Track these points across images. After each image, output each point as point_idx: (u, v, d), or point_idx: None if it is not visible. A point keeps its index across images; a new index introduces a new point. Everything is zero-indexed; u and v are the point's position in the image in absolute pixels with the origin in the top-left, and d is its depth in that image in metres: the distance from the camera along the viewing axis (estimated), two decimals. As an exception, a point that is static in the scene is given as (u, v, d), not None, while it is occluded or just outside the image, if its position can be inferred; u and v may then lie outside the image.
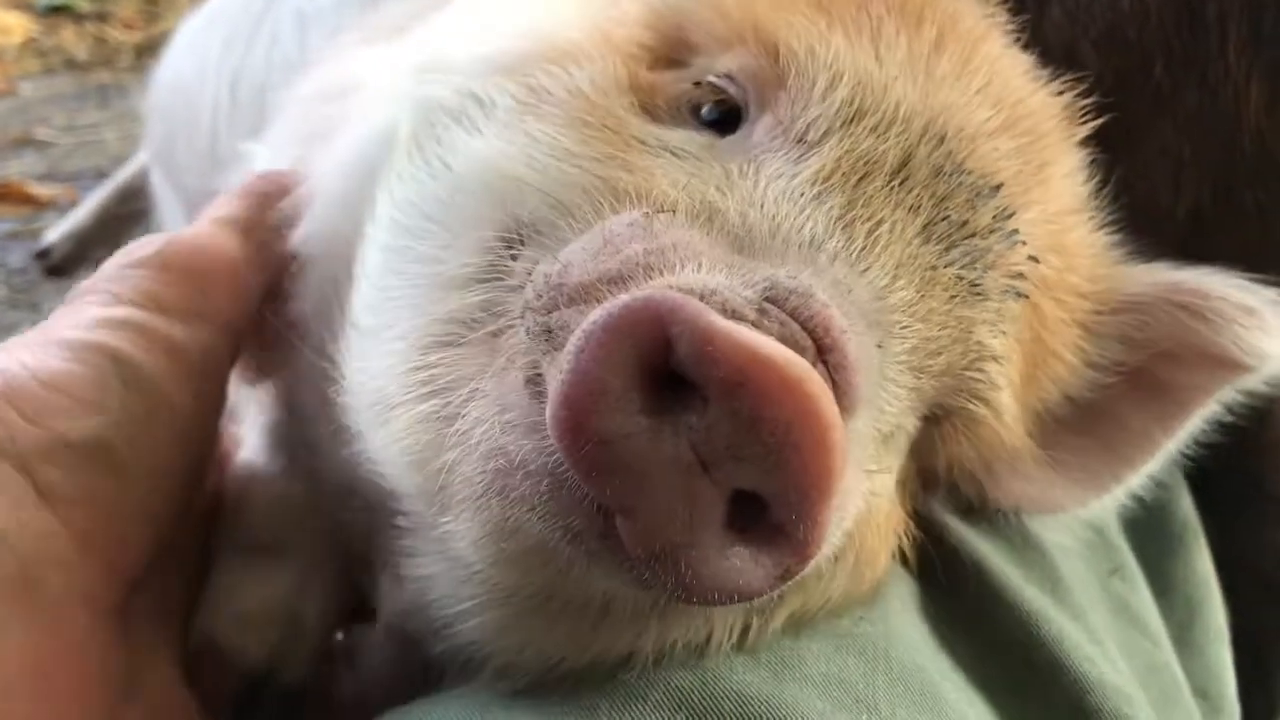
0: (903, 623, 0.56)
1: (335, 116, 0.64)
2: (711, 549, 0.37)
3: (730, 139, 0.51)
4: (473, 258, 0.47)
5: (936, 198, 0.49)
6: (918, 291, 0.47)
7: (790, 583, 0.39)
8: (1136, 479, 0.66)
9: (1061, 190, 0.59)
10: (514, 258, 0.46)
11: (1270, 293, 0.59)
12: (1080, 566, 0.73)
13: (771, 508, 0.37)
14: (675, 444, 0.36)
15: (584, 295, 0.41)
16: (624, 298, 0.37)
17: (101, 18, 3.77)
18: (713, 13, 0.55)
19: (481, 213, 0.48)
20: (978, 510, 0.65)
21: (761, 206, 0.46)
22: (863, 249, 0.46)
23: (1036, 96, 0.59)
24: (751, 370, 0.35)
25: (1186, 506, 0.88)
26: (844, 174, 0.48)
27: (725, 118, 0.52)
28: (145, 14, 3.81)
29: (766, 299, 0.39)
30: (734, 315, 0.37)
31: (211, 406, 0.54)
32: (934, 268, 0.48)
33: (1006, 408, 0.55)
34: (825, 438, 0.36)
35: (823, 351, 0.39)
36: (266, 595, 0.59)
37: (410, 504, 0.47)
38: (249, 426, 0.67)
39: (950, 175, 0.50)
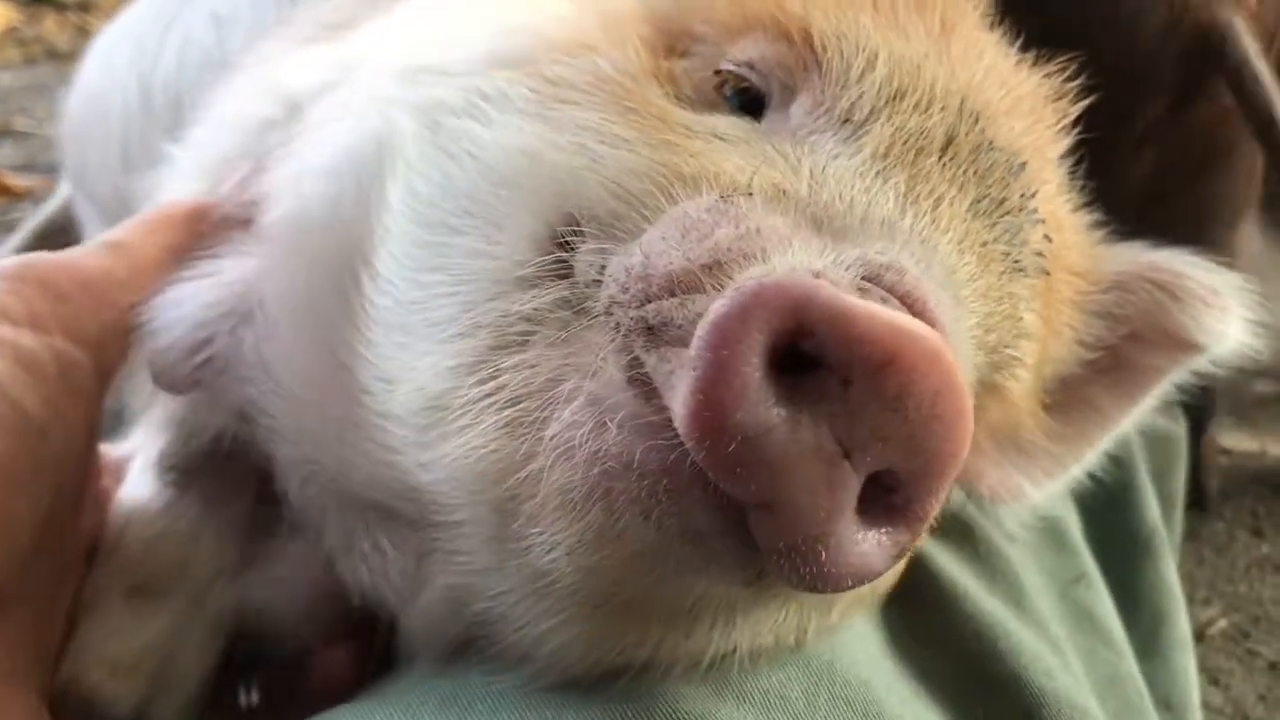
0: (852, 634, 0.55)
1: (278, 120, 0.62)
2: (847, 535, 0.36)
3: (766, 123, 0.51)
4: (529, 252, 0.45)
5: (978, 174, 0.49)
6: (978, 267, 0.47)
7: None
8: (1091, 459, 0.67)
9: (1057, 171, 0.60)
10: (571, 249, 0.44)
11: (1235, 277, 0.61)
12: (1041, 576, 0.73)
13: (902, 485, 0.36)
14: (816, 433, 0.35)
15: (682, 285, 0.39)
16: (750, 284, 0.35)
17: (84, 8, 3.73)
18: (723, 1, 0.54)
19: (528, 203, 0.46)
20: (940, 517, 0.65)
21: (831, 186, 0.45)
22: (931, 224, 0.45)
23: (1029, 79, 0.60)
24: (899, 347, 0.34)
25: (1155, 514, 0.89)
26: (900, 151, 0.48)
27: (744, 104, 0.52)
28: (128, 4, 3.78)
29: (863, 277, 0.38)
30: None
31: (71, 420, 0.50)
32: (985, 244, 0.48)
33: (1029, 384, 0.55)
34: (965, 406, 0.36)
35: None
36: (138, 642, 0.56)
37: (470, 517, 0.44)
38: (135, 461, 0.63)
39: (986, 152, 0.50)
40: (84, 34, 3.61)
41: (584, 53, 0.52)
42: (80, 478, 0.54)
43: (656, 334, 0.38)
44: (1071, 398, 0.65)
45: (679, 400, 0.35)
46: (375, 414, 0.47)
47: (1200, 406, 1.69)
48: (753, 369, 0.34)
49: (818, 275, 0.36)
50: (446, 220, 0.47)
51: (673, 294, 0.39)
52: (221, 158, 0.65)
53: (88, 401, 0.52)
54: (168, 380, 0.57)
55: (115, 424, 0.67)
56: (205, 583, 0.58)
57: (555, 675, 0.46)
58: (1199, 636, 1.71)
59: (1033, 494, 0.66)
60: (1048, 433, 0.63)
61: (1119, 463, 0.81)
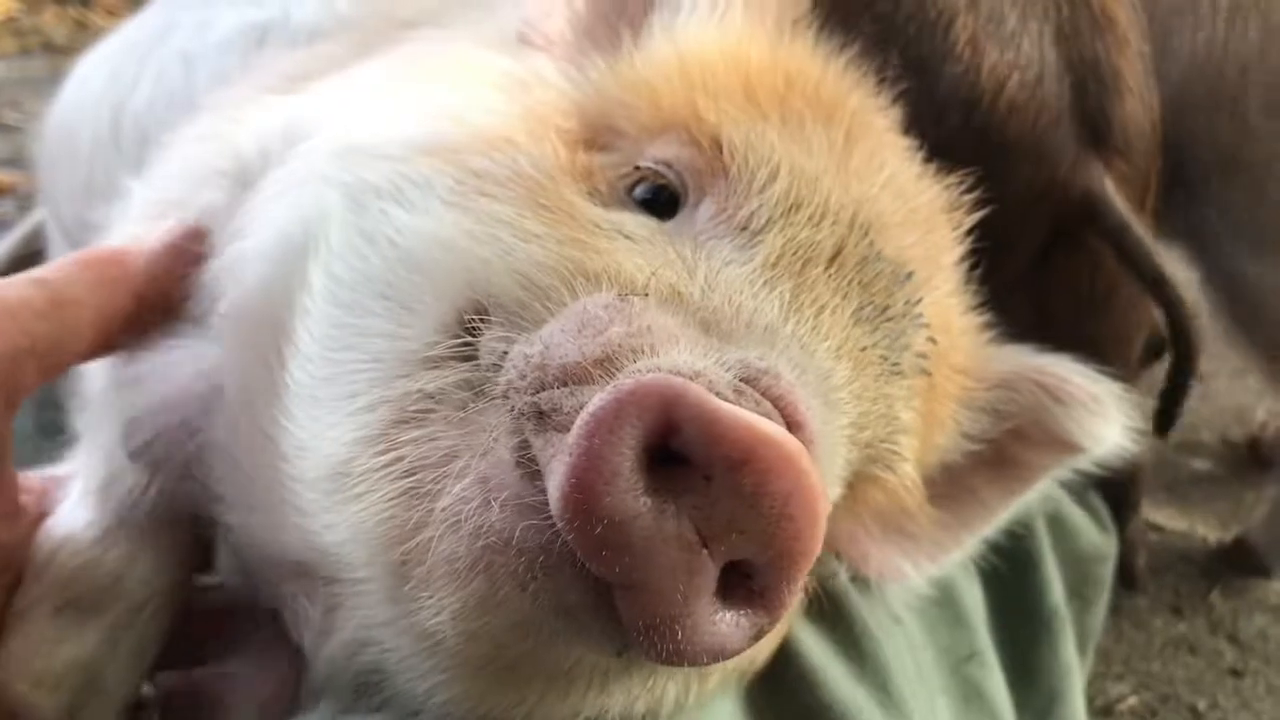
0: (711, 717, 0.57)
1: (227, 175, 0.65)
2: (703, 616, 0.39)
3: (673, 223, 0.54)
4: (437, 335, 0.48)
5: (863, 284, 0.54)
6: (854, 371, 0.51)
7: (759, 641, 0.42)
8: (972, 546, 0.71)
9: (949, 276, 0.65)
10: (476, 334, 0.47)
11: (1114, 385, 0.66)
12: (934, 652, 0.76)
13: (758, 574, 0.40)
14: (678, 522, 0.38)
15: (573, 376, 0.42)
16: (628, 382, 0.39)
17: (84, 2, 3.74)
18: (642, 102, 0.58)
19: (440, 289, 0.49)
20: (817, 598, 0.67)
21: (722, 291, 0.48)
22: (811, 331, 0.49)
23: (927, 190, 0.65)
24: (756, 448, 0.38)
25: (1057, 594, 0.91)
26: (789, 261, 0.52)
27: (658, 199, 0.55)
28: (129, 0, 3.81)
29: (740, 379, 0.42)
30: (717, 396, 0.39)
31: None
32: (864, 349, 0.52)
33: (910, 476, 0.59)
34: (816, 507, 0.39)
35: (791, 428, 0.41)
36: (67, 656, 0.58)
37: (368, 576, 0.47)
38: (73, 483, 0.65)
39: (872, 263, 0.54)
40: (82, 28, 3.61)
41: (507, 148, 0.55)
42: None
43: (545, 420, 0.41)
44: (955, 487, 0.69)
45: (554, 483, 0.39)
46: (291, 480, 0.50)
47: (1127, 486, 1.74)
48: (623, 459, 0.38)
49: (696, 375, 0.40)
50: (361, 303, 0.50)
51: (565, 384, 0.42)
52: (173, 202, 0.68)
53: None
54: (143, 461, 0.60)
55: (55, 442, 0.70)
56: (136, 606, 0.61)
57: None
58: (1108, 712, 1.75)
59: (914, 576, 0.70)
60: (931, 519, 0.67)
61: (1021, 542, 0.86)
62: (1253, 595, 1.99)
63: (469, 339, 0.47)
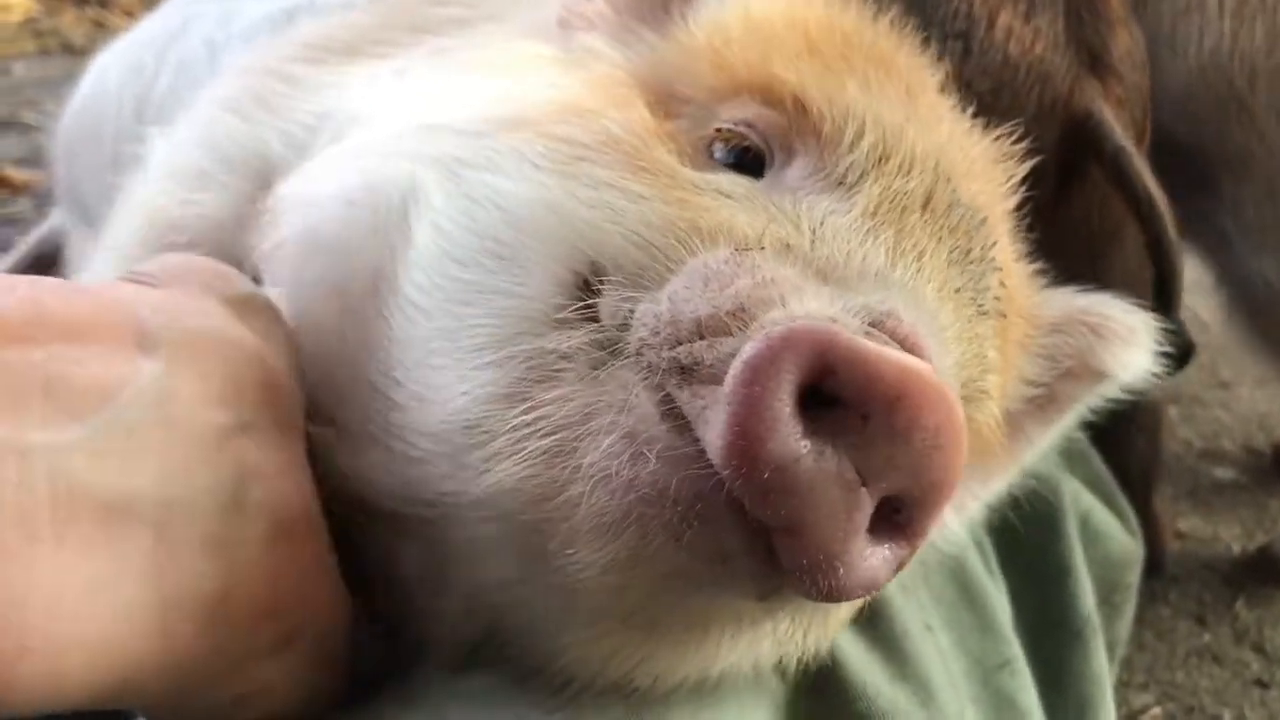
0: None
1: (270, 144, 0.66)
2: (860, 552, 0.40)
3: (764, 181, 0.55)
4: (556, 295, 0.48)
5: (950, 228, 0.55)
6: (954, 312, 0.52)
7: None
8: (1012, 476, 0.73)
9: (1006, 224, 0.66)
10: (595, 294, 0.47)
11: (1148, 316, 0.69)
12: (966, 661, 0.75)
13: (905, 507, 0.41)
14: (838, 462, 0.39)
15: (709, 329, 0.43)
16: (779, 329, 0.39)
17: (103, 4, 3.77)
18: (707, 66, 0.59)
19: (554, 252, 0.49)
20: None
21: (830, 241, 0.49)
22: (917, 275, 0.50)
23: (980, 141, 0.66)
24: (910, 385, 0.38)
25: (1089, 603, 0.91)
26: (887, 210, 0.52)
27: (742, 160, 0.56)
28: (147, 2, 3.83)
29: (868, 324, 0.42)
30: None
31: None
32: (958, 290, 0.53)
33: (995, 415, 0.60)
34: (961, 438, 0.40)
35: None
36: None
37: (500, 534, 0.47)
38: None
39: (956, 208, 0.55)
40: (101, 29, 3.64)
41: (593, 115, 0.55)
42: None
43: (688, 373, 0.42)
44: (1010, 430, 0.68)
45: (715, 432, 0.39)
46: (402, 428, 0.50)
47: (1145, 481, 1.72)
48: (782, 404, 0.38)
49: (834, 321, 0.40)
50: (475, 259, 0.50)
51: (701, 337, 0.42)
52: (197, 152, 0.69)
53: None
54: None
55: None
56: None
57: (574, 685, 0.49)
58: (1131, 722, 1.73)
59: (950, 520, 0.70)
60: (1007, 457, 0.69)
61: (1055, 548, 0.87)
62: (1278, 605, 1.96)
63: (587, 299, 0.47)
